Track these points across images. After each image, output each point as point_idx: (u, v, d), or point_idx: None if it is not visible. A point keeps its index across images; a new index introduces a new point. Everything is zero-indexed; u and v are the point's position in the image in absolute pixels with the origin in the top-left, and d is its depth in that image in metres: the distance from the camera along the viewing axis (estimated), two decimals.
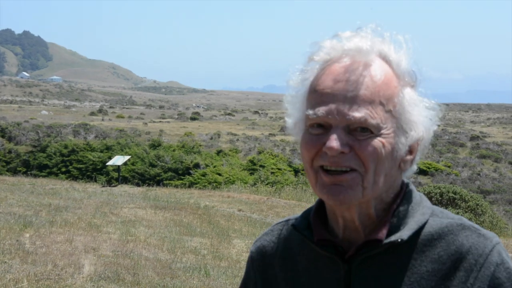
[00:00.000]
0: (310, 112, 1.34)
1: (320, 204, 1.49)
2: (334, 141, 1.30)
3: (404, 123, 1.36)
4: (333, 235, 1.44)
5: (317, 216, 1.48)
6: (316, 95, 1.35)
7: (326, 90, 1.34)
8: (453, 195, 19.20)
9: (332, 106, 1.32)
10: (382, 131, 1.32)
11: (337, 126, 1.31)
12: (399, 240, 1.35)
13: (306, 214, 1.52)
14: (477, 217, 18.64)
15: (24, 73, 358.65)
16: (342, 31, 1.41)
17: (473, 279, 1.32)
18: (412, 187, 1.46)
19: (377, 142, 1.32)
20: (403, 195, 1.43)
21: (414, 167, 1.44)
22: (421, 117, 1.38)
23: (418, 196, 1.44)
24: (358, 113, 1.30)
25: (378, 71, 1.34)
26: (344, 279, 1.40)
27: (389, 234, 1.38)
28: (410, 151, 1.39)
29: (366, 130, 1.31)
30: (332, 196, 1.33)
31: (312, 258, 1.47)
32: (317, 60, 1.39)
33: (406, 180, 1.46)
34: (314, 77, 1.38)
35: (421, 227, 1.38)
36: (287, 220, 1.59)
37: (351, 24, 1.44)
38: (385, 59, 1.37)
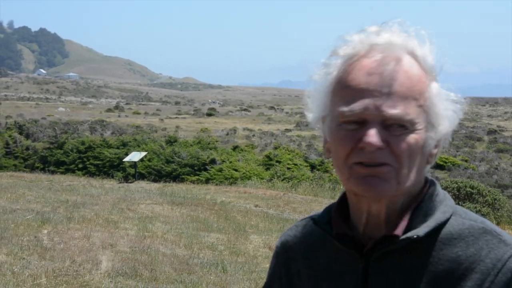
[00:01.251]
0: (345, 108, 1.33)
1: (342, 200, 1.49)
2: (373, 137, 1.30)
3: (433, 118, 1.36)
4: (354, 230, 1.44)
5: (338, 211, 1.48)
6: (349, 90, 1.34)
7: (361, 86, 1.32)
8: (470, 189, 19.07)
9: (369, 101, 1.31)
10: (416, 126, 1.32)
11: (373, 121, 1.31)
12: (415, 236, 1.34)
13: (329, 209, 1.52)
14: (495, 211, 18.51)
15: (41, 70, 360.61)
16: (368, 26, 1.39)
17: (489, 282, 1.30)
18: (436, 183, 1.45)
19: (412, 137, 1.32)
20: (426, 191, 1.42)
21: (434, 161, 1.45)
22: (446, 111, 1.38)
23: (442, 193, 1.43)
24: (394, 110, 1.30)
25: (410, 66, 1.34)
26: (362, 273, 1.40)
27: (409, 230, 1.37)
28: (436, 145, 1.40)
29: (401, 126, 1.31)
30: (369, 187, 1.32)
31: (333, 253, 1.47)
32: (342, 55, 1.38)
33: (430, 177, 1.46)
34: (341, 72, 1.37)
35: (441, 225, 1.37)
36: (311, 216, 1.59)
37: (359, 22, 1.42)
38: (412, 54, 1.37)
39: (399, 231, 1.36)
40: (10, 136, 35.43)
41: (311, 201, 18.47)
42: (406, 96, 1.31)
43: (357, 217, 1.43)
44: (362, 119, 1.31)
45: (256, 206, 16.93)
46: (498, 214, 18.55)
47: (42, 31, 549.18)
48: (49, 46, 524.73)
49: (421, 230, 1.35)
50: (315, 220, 1.50)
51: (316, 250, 1.52)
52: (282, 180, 25.69)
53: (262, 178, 26.54)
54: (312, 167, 31.77)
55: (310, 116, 1.44)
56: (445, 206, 1.40)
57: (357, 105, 1.31)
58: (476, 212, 17.93)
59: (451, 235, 1.36)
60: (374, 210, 1.39)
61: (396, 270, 1.37)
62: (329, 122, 1.39)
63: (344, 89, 1.35)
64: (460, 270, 1.33)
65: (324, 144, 1.44)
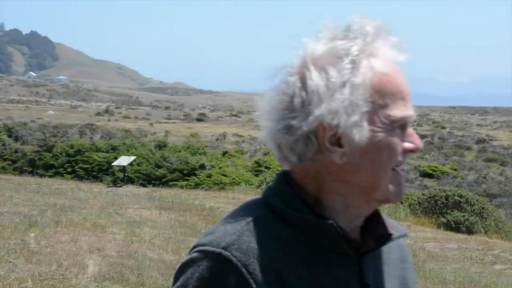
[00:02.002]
0: (408, 114, 1.28)
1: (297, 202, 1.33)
2: (419, 140, 1.30)
3: None
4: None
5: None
6: (399, 94, 1.28)
7: (406, 90, 1.29)
8: (458, 198, 19.15)
9: (411, 105, 1.30)
10: None
11: (408, 125, 1.30)
12: (409, 234, 1.47)
13: (284, 212, 1.33)
14: (483, 220, 18.60)
15: (31, 73, 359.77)
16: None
17: (408, 257, 1.51)
18: None
19: None
20: None
21: None
22: None
23: None
24: None
25: None
26: (358, 274, 1.34)
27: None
28: None
29: None
30: (403, 192, 1.34)
31: (319, 254, 1.32)
32: (366, 54, 1.28)
33: None
34: (379, 73, 1.27)
35: None
36: (280, 215, 1.33)
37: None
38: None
39: (391, 230, 1.39)
40: None
41: None
42: None
43: (348, 220, 1.33)
44: (405, 123, 1.29)
45: None
46: (486, 223, 18.64)
47: (33, 34, 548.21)
48: (39, 49, 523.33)
49: (402, 229, 1.45)
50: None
51: (298, 253, 1.31)
52: None
53: (251, 184, 26.56)
54: None
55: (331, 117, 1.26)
56: None
57: (411, 110, 1.29)
58: (465, 221, 18.04)
59: None
60: (369, 212, 1.36)
61: (374, 267, 1.39)
62: (367, 127, 1.26)
63: (393, 92, 1.28)
64: (399, 254, 1.48)
65: (333, 146, 1.28)
